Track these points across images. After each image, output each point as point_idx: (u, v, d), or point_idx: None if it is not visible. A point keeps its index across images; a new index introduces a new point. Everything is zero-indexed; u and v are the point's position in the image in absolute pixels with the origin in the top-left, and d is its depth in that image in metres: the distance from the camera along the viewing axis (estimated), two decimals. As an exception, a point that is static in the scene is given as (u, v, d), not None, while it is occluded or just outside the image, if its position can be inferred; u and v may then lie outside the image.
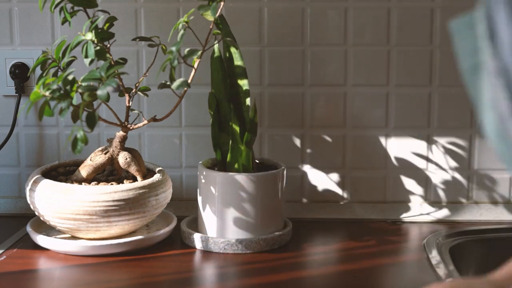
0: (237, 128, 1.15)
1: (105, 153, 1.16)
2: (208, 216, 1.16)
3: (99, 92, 0.98)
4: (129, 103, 1.15)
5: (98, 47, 1.07)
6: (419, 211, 1.33)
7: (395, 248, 1.17)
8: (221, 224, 1.15)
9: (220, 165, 1.19)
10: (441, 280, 1.01)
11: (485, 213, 1.34)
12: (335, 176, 1.35)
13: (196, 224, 1.21)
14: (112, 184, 1.13)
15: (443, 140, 1.33)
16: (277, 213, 1.18)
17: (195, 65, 1.09)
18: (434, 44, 1.32)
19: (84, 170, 1.15)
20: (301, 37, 1.32)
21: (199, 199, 1.18)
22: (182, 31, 1.07)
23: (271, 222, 1.17)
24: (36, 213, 1.15)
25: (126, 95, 1.15)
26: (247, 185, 1.13)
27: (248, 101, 1.16)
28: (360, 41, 1.31)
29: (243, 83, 1.17)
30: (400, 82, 1.32)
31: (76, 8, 1.11)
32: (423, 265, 1.08)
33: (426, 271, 1.05)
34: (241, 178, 1.13)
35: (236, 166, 1.15)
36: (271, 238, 1.15)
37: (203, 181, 1.17)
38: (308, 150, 1.35)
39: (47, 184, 1.11)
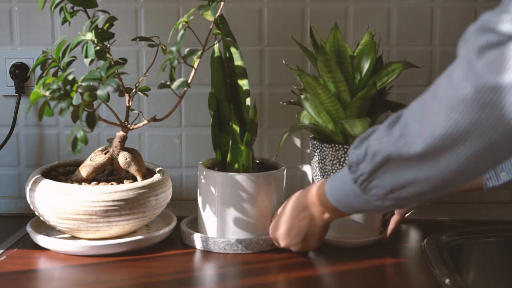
0: (237, 128, 1.15)
1: (105, 153, 1.16)
2: (208, 216, 1.16)
3: (99, 92, 0.98)
4: (129, 103, 1.15)
5: (98, 47, 1.07)
6: (419, 210, 1.33)
7: (395, 248, 1.17)
8: (221, 224, 1.15)
9: (220, 165, 1.19)
10: (440, 281, 1.01)
11: (486, 213, 1.34)
12: (335, 176, 1.34)
13: (196, 224, 1.21)
14: (112, 184, 1.13)
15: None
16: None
17: (195, 65, 1.09)
18: (434, 43, 1.32)
19: (84, 170, 1.15)
20: (301, 37, 1.32)
21: (199, 199, 1.18)
22: (182, 31, 1.07)
23: (271, 223, 1.17)
24: (36, 213, 1.15)
25: (126, 95, 1.15)
26: (247, 185, 1.13)
27: (248, 101, 1.16)
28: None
29: (243, 83, 1.17)
30: (400, 83, 1.32)
31: (76, 8, 1.11)
32: (423, 265, 1.08)
33: (426, 271, 1.05)
34: (241, 178, 1.13)
35: (236, 166, 1.15)
36: (271, 238, 1.15)
37: (203, 181, 1.17)
38: (308, 150, 1.35)
39: (47, 184, 1.11)
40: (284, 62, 1.32)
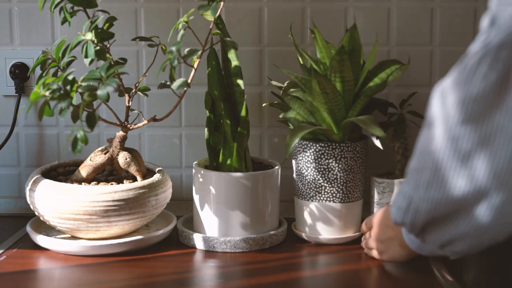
0: (228, 128, 1.15)
1: (105, 153, 1.16)
2: (204, 216, 1.16)
3: (99, 92, 0.98)
4: (129, 103, 1.15)
5: (98, 47, 1.07)
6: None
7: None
8: (217, 223, 1.15)
9: (214, 164, 1.19)
10: (441, 281, 1.01)
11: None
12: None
13: (191, 223, 1.21)
14: (112, 184, 1.13)
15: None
16: (272, 212, 1.18)
17: (195, 65, 1.09)
18: (434, 44, 1.32)
19: (84, 170, 1.15)
20: (301, 37, 1.32)
21: (195, 198, 1.18)
22: (182, 31, 1.07)
23: (266, 221, 1.17)
24: (36, 213, 1.15)
25: (126, 95, 1.15)
26: (242, 184, 1.13)
27: (244, 101, 1.17)
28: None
29: (239, 83, 1.17)
30: (400, 83, 1.32)
31: (76, 8, 1.11)
32: (423, 265, 1.08)
33: (426, 271, 1.05)
34: (236, 177, 1.13)
35: (227, 164, 1.16)
36: (268, 237, 1.15)
37: (199, 180, 1.17)
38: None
39: (47, 184, 1.11)
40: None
